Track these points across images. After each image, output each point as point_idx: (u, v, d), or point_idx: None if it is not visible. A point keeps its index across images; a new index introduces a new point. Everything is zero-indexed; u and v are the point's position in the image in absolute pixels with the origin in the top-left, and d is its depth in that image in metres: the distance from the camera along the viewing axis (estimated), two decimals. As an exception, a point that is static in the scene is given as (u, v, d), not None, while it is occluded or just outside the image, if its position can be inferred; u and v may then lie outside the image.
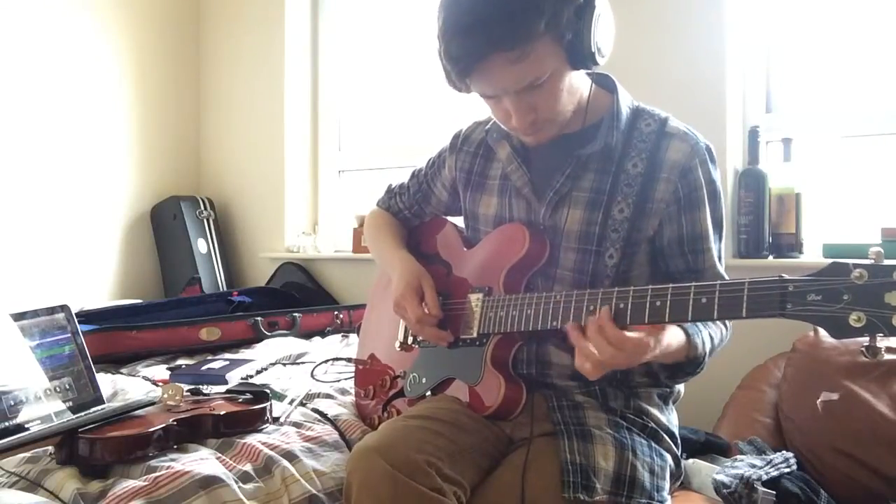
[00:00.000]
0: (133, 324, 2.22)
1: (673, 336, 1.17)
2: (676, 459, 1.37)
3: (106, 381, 1.79)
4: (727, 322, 1.33)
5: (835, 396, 1.72)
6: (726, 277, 1.31)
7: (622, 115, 1.33)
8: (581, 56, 1.21)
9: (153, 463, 1.23)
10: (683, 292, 1.06)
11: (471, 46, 1.18)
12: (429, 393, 1.42)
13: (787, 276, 0.96)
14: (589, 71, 1.29)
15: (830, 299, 0.92)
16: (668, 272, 1.33)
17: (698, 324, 1.23)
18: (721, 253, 1.36)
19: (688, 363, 1.24)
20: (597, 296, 1.15)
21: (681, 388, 1.42)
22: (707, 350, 1.24)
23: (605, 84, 1.38)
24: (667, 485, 1.31)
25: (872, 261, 0.91)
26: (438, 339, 1.41)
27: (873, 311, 0.89)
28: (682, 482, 1.49)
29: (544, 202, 1.35)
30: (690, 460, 1.71)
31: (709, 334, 1.26)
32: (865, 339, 0.92)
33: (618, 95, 1.35)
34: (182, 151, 3.45)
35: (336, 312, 2.60)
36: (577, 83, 1.29)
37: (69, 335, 1.49)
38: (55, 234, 2.98)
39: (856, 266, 0.91)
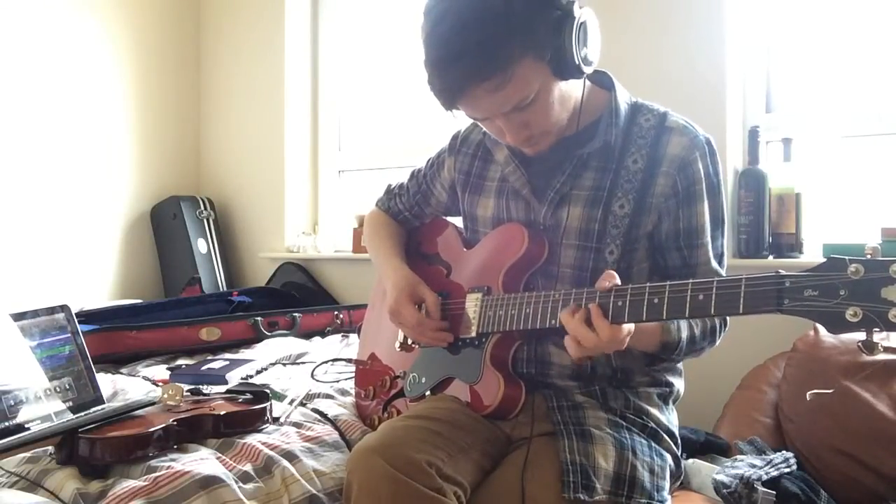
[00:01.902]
0: (133, 324, 2.22)
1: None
2: (676, 459, 1.37)
3: (106, 381, 1.79)
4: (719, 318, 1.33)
5: (828, 390, 1.72)
6: (722, 273, 1.32)
7: (620, 112, 1.33)
8: (566, 68, 1.20)
9: (153, 463, 1.23)
10: (681, 289, 1.06)
11: (450, 80, 1.18)
12: (428, 393, 1.42)
13: (783, 272, 0.97)
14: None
15: (827, 294, 0.92)
16: (665, 267, 1.33)
17: None
18: (721, 249, 1.35)
19: (663, 349, 1.25)
20: (595, 294, 1.15)
21: (681, 388, 1.42)
22: (684, 336, 1.25)
23: (601, 81, 1.37)
24: (667, 485, 1.31)
25: (869, 256, 0.91)
26: (437, 341, 1.41)
27: (870, 306, 0.90)
28: (682, 482, 1.49)
29: (545, 202, 1.35)
30: (690, 460, 1.71)
31: (687, 323, 1.26)
32: (862, 335, 0.93)
33: (615, 92, 1.35)
34: (182, 151, 3.45)
35: (336, 312, 2.60)
36: (569, 90, 1.28)
37: (69, 335, 1.49)
38: (55, 234, 2.98)
39: (852, 261, 0.91)
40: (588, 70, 1.24)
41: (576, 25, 1.18)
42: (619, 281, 1.15)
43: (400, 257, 1.56)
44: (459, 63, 1.16)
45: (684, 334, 1.25)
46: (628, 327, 1.13)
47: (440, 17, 1.18)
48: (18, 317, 1.43)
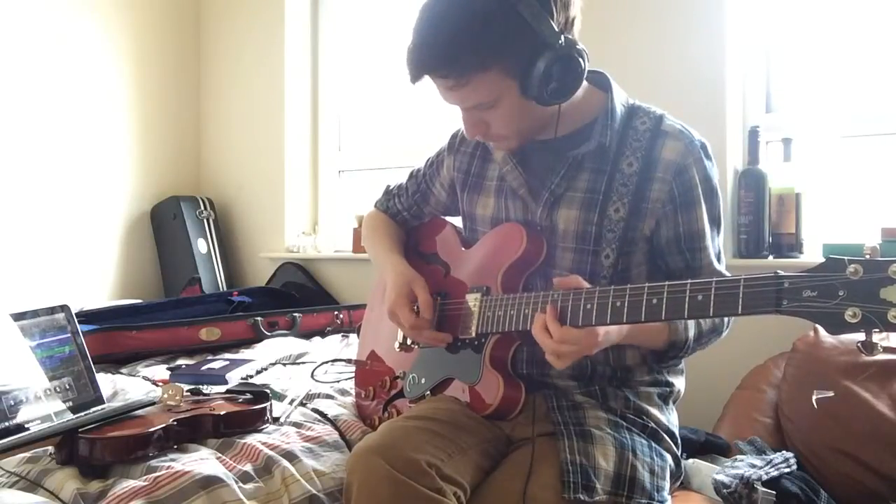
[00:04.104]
0: (133, 324, 2.22)
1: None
2: (676, 459, 1.37)
3: (106, 381, 1.79)
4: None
5: (829, 393, 1.72)
6: (725, 273, 1.33)
7: (616, 114, 1.33)
8: (531, 93, 1.22)
9: (153, 463, 1.23)
10: (680, 290, 1.06)
11: (414, 62, 1.23)
12: (428, 393, 1.42)
13: (782, 273, 0.97)
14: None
15: (826, 295, 0.92)
16: (668, 270, 1.34)
17: None
18: (720, 249, 1.37)
19: (671, 348, 1.28)
20: (594, 294, 1.15)
21: (681, 387, 1.42)
22: (691, 335, 1.28)
23: (599, 82, 1.37)
24: (667, 485, 1.31)
25: (868, 256, 0.91)
26: (436, 341, 1.41)
27: (869, 307, 0.90)
28: (682, 482, 1.49)
29: (540, 203, 1.35)
30: (690, 460, 1.71)
31: (695, 320, 1.28)
32: (861, 335, 0.93)
33: (612, 94, 1.35)
34: (182, 151, 3.45)
35: (336, 312, 2.60)
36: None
37: (69, 335, 1.49)
38: (55, 234, 2.98)
39: (851, 262, 0.91)
40: (554, 102, 1.24)
41: (552, 58, 1.19)
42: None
43: (399, 253, 1.57)
44: (424, 52, 1.21)
45: (691, 333, 1.27)
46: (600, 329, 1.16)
47: (434, 1, 1.23)
48: (18, 317, 1.43)
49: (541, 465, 1.23)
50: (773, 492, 1.55)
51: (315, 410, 1.57)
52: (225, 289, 3.19)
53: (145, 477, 1.19)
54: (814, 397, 1.72)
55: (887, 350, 1.71)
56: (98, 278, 3.14)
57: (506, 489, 1.22)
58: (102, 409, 1.46)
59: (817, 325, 1.67)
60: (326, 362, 1.94)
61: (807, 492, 1.60)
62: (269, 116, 3.24)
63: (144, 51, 3.29)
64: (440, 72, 1.21)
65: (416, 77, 1.25)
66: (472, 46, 1.18)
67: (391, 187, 1.70)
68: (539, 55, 1.19)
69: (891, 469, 1.63)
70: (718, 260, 1.36)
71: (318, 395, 1.68)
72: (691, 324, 1.27)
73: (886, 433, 1.65)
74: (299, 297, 2.87)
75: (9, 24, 2.84)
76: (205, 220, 3.28)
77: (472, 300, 1.37)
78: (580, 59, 1.22)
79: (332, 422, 1.52)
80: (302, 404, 1.61)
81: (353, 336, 2.42)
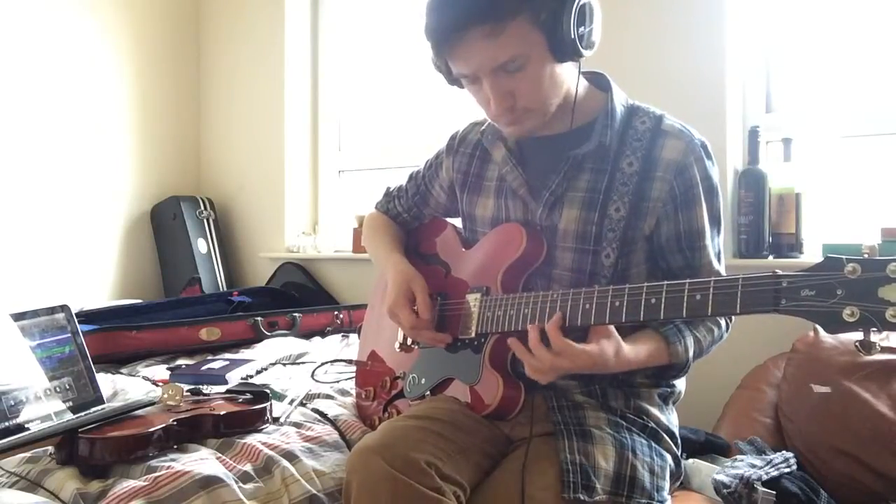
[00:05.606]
0: (133, 324, 2.22)
1: (641, 349, 1.22)
2: (676, 459, 1.37)
3: (106, 381, 1.79)
4: (724, 319, 1.34)
5: (826, 389, 1.73)
6: (723, 273, 1.33)
7: (616, 114, 1.33)
8: (561, 44, 1.21)
9: (153, 463, 1.24)
10: (678, 289, 1.06)
11: (446, 19, 1.22)
12: (428, 393, 1.42)
13: (780, 272, 0.97)
14: (576, 63, 1.29)
15: (824, 294, 0.93)
16: (668, 269, 1.34)
17: (683, 328, 1.26)
18: (719, 248, 1.37)
19: (670, 367, 1.29)
20: (593, 294, 1.15)
21: (681, 388, 1.42)
22: (691, 355, 1.28)
23: (599, 83, 1.38)
24: (667, 485, 1.31)
25: (866, 255, 0.91)
26: (436, 341, 1.41)
27: (867, 306, 0.90)
28: (682, 482, 1.49)
29: (541, 203, 1.35)
30: (690, 460, 1.71)
31: (694, 338, 1.28)
32: (860, 335, 0.93)
33: (612, 94, 1.35)
34: (182, 151, 3.45)
35: (336, 312, 2.60)
36: (563, 76, 1.28)
37: (69, 335, 1.50)
38: (55, 234, 2.98)
39: (849, 261, 0.92)
40: (585, 53, 1.24)
41: (576, 4, 1.20)
42: None
43: (400, 252, 1.57)
44: (454, 8, 1.20)
45: (691, 353, 1.28)
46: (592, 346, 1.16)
47: None
48: (18, 317, 1.43)
49: (540, 465, 1.23)
50: (773, 492, 1.55)
51: (315, 410, 1.57)
52: (225, 289, 3.19)
53: (145, 477, 1.19)
54: (814, 386, 1.72)
55: (886, 350, 1.71)
56: (98, 278, 3.14)
57: (505, 488, 1.22)
58: (102, 409, 1.46)
59: (817, 326, 1.68)
60: (326, 362, 1.94)
61: (807, 492, 1.60)
62: (269, 116, 3.24)
63: (144, 51, 3.29)
64: (479, 17, 1.18)
65: (449, 36, 1.22)
66: None
67: (391, 189, 1.70)
68: (565, 1, 1.20)
69: (891, 469, 1.63)
70: (718, 259, 1.35)
71: (318, 395, 1.68)
72: (691, 345, 1.27)
73: (886, 433, 1.65)
74: (299, 297, 2.88)
75: (9, 24, 2.84)
76: (205, 220, 3.28)
77: (472, 300, 1.37)
78: (595, 3, 1.24)
79: (332, 422, 1.52)
80: (302, 404, 1.61)
81: (353, 336, 2.42)
